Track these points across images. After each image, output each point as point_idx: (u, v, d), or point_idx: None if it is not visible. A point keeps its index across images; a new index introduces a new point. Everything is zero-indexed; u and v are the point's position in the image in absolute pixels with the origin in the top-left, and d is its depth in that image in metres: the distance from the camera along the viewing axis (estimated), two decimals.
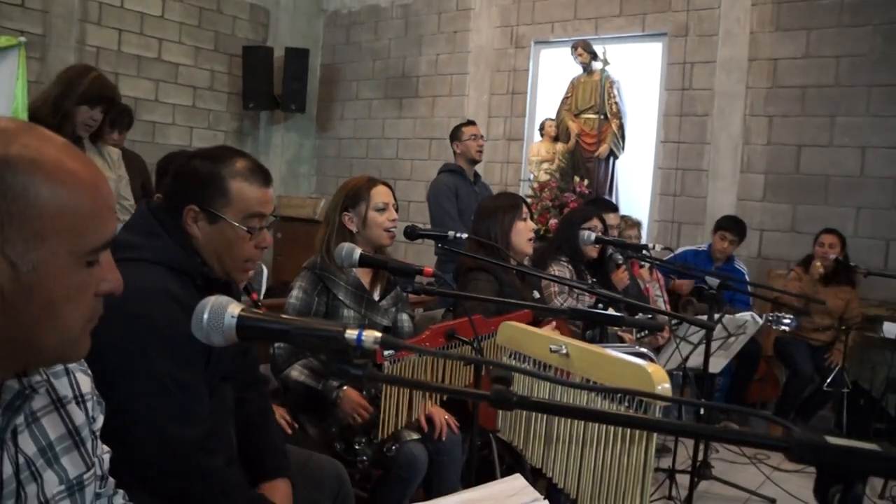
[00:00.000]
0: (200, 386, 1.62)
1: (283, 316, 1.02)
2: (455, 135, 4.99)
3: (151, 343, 1.50)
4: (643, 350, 1.76)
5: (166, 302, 1.48)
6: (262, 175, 1.70)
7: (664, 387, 1.32)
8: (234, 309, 1.01)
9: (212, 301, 1.02)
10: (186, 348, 1.51)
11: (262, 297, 3.46)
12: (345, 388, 2.41)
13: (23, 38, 6.00)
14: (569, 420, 1.55)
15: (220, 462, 1.61)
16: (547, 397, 1.62)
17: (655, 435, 1.37)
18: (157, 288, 1.54)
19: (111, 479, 1.23)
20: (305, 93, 7.74)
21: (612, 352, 1.51)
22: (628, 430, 1.38)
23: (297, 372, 2.47)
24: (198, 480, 1.55)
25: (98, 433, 1.15)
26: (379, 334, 0.96)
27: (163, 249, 1.61)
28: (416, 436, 2.43)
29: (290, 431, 2.41)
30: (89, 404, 1.12)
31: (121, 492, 1.27)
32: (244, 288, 2.35)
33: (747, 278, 5.01)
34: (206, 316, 1.01)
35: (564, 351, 1.52)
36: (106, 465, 1.21)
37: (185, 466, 1.54)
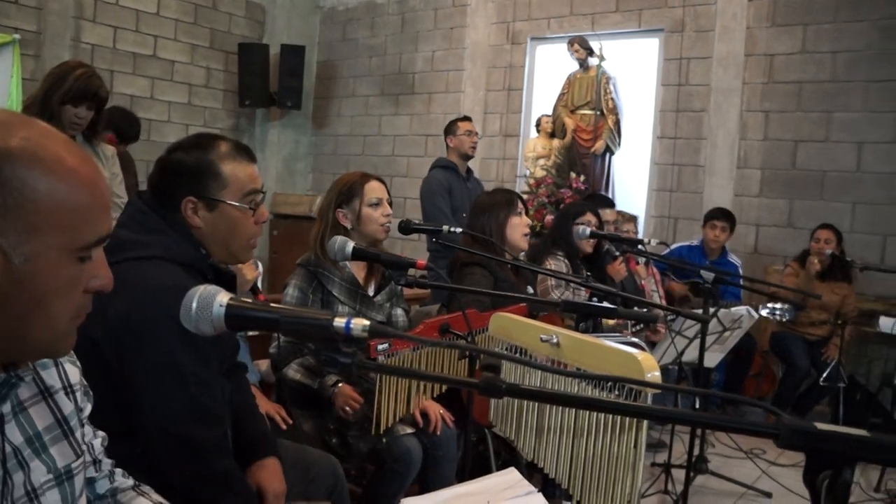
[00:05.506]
0: (218, 384, 1.63)
1: (272, 305, 1.02)
2: (450, 129, 4.94)
3: (177, 343, 1.48)
4: (635, 340, 1.76)
5: None
6: (246, 153, 1.73)
7: (654, 374, 1.32)
8: (222, 298, 1.01)
9: (200, 290, 1.01)
10: (206, 346, 1.51)
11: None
12: (340, 384, 2.41)
13: (17, 36, 6.01)
14: (560, 410, 1.55)
15: (232, 462, 1.61)
16: (538, 387, 1.61)
17: (646, 423, 1.37)
18: (177, 286, 1.53)
19: (106, 460, 1.23)
20: (301, 90, 7.72)
21: (603, 340, 1.51)
22: (618, 419, 1.39)
23: (293, 371, 2.47)
24: (211, 482, 1.56)
25: (85, 420, 1.14)
26: (368, 322, 0.95)
27: (172, 246, 1.60)
28: (410, 430, 2.43)
29: (284, 427, 2.41)
30: (78, 394, 1.12)
31: (119, 470, 1.27)
32: (251, 289, 2.35)
33: (741, 271, 5.02)
34: (194, 305, 1.01)
35: (555, 340, 1.52)
36: (97, 449, 1.21)
37: (202, 468, 1.54)
